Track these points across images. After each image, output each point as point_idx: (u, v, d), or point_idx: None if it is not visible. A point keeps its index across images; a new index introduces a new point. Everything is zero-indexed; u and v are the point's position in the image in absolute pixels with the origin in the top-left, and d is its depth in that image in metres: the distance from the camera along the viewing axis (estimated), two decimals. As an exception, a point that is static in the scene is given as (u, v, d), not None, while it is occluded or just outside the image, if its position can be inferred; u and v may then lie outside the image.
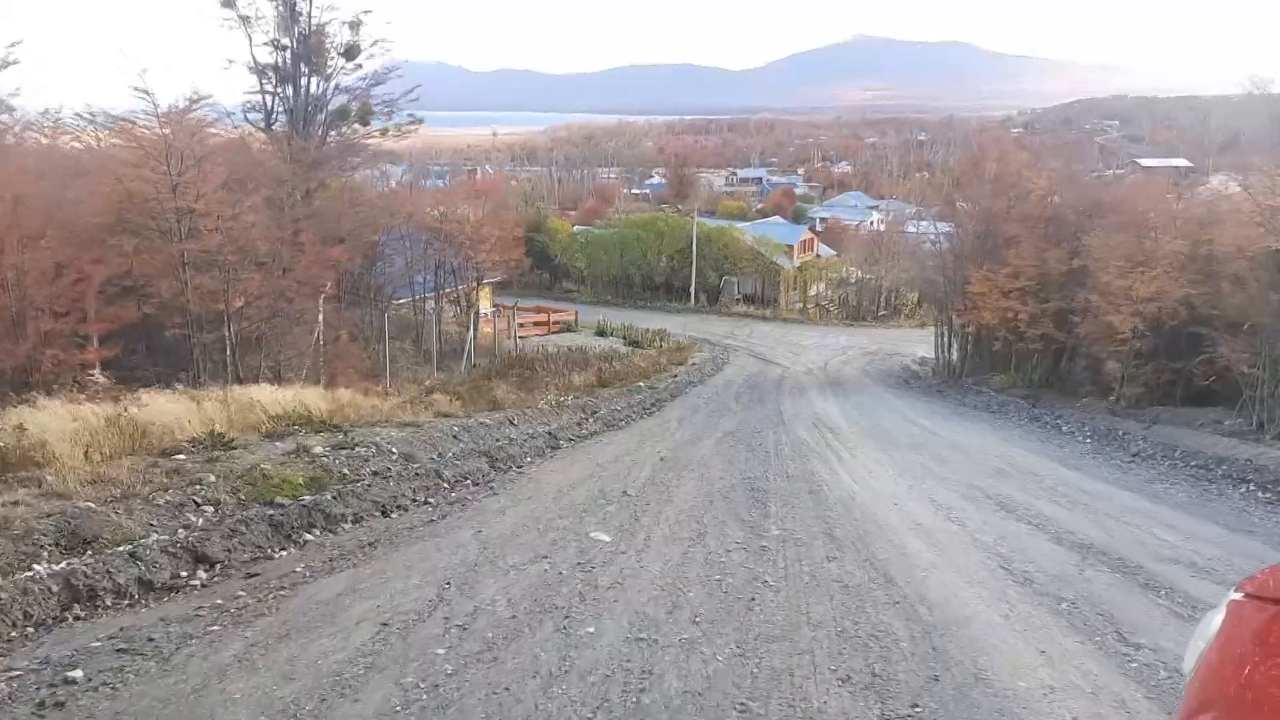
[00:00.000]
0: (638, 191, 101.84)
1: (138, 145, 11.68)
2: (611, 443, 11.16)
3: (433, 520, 6.67)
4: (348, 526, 6.25)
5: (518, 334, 32.74)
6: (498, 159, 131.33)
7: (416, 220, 25.70)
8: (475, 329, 26.41)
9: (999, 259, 23.07)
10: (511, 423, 10.62)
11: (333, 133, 19.82)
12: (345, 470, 6.94)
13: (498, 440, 9.42)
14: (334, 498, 6.38)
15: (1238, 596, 1.49)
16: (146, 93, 11.14)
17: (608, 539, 6.21)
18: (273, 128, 19.26)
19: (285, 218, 14.92)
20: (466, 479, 7.95)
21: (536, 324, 36.44)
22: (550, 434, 10.58)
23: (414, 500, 7.05)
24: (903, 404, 19.56)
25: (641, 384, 20.46)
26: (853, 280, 51.42)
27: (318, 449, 7.11)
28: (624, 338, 34.33)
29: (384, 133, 21.08)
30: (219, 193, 12.06)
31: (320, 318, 15.81)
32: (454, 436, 8.87)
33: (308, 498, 6.22)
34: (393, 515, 6.69)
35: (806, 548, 6.33)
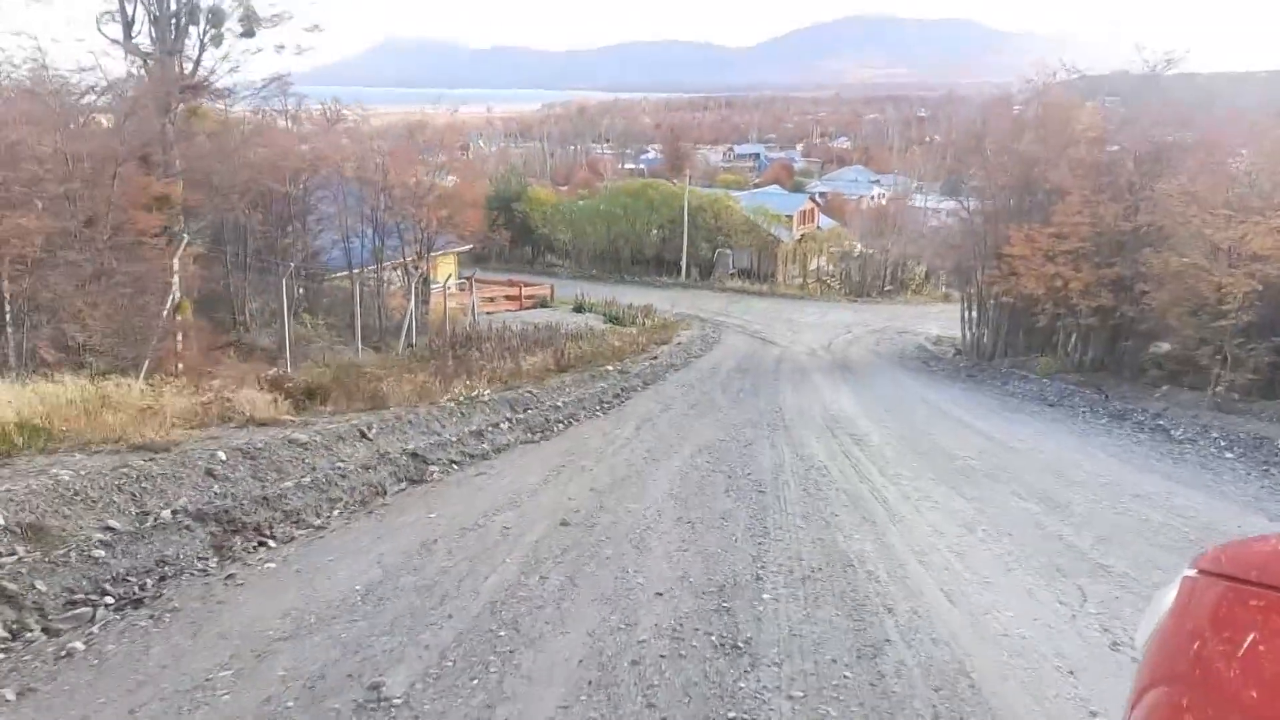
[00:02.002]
0: (631, 166, 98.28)
1: None
2: (508, 472, 7.25)
3: None
4: None
5: (483, 309, 29.18)
6: (491, 135, 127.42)
7: (350, 171, 21.73)
8: (422, 303, 22.65)
9: (1041, 216, 19.32)
10: (365, 435, 6.85)
11: (213, 48, 15.92)
12: None
13: (299, 476, 5.64)
14: None
15: (1191, 573, 1.43)
16: None
17: None
18: (134, 40, 15.34)
19: (122, 149, 11.07)
20: (106, 596, 3.81)
21: (508, 298, 32.90)
22: (415, 455, 6.79)
23: None
24: (934, 393, 15.74)
25: (610, 368, 16.84)
26: (856, 254, 47.57)
27: None
28: (604, 314, 30.77)
29: (279, 48, 17.18)
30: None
31: (176, 282, 12.00)
32: (208, 472, 5.10)
33: None
34: None
35: None
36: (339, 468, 5.96)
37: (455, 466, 6.97)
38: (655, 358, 19.88)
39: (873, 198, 64.62)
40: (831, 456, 8.77)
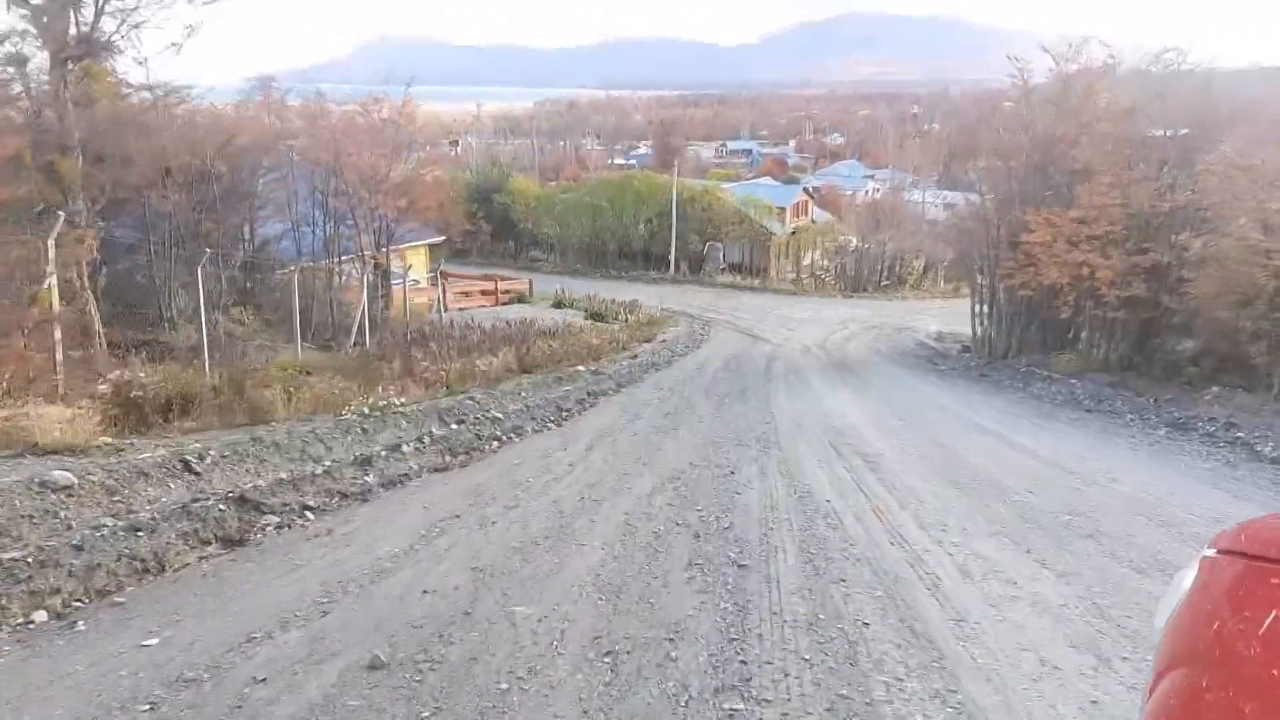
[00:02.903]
0: (621, 162, 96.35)
1: None
2: (369, 527, 5.03)
3: None
4: None
5: (455, 305, 27.42)
6: (481, 131, 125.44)
7: (302, 154, 19.75)
8: (380, 297, 20.69)
9: (1060, 200, 17.46)
10: (190, 468, 4.89)
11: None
12: None
13: (20, 548, 3.65)
14: None
15: (1210, 552, 1.42)
16: None
17: None
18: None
19: None
20: None
21: (484, 294, 31.07)
22: (244, 501, 4.82)
23: None
24: (949, 397, 13.75)
25: (581, 368, 15.06)
26: (851, 248, 45.68)
27: None
28: (586, 310, 28.95)
29: (193, -2, 15.03)
30: None
31: (50, 270, 9.97)
32: None
33: None
34: None
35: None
36: (102, 528, 3.99)
37: (304, 516, 4.94)
38: (635, 356, 18.14)
39: (867, 192, 62.76)
40: (842, 493, 6.58)
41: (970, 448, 8.93)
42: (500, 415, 8.52)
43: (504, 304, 30.10)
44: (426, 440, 6.93)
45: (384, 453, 6.31)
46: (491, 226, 45.57)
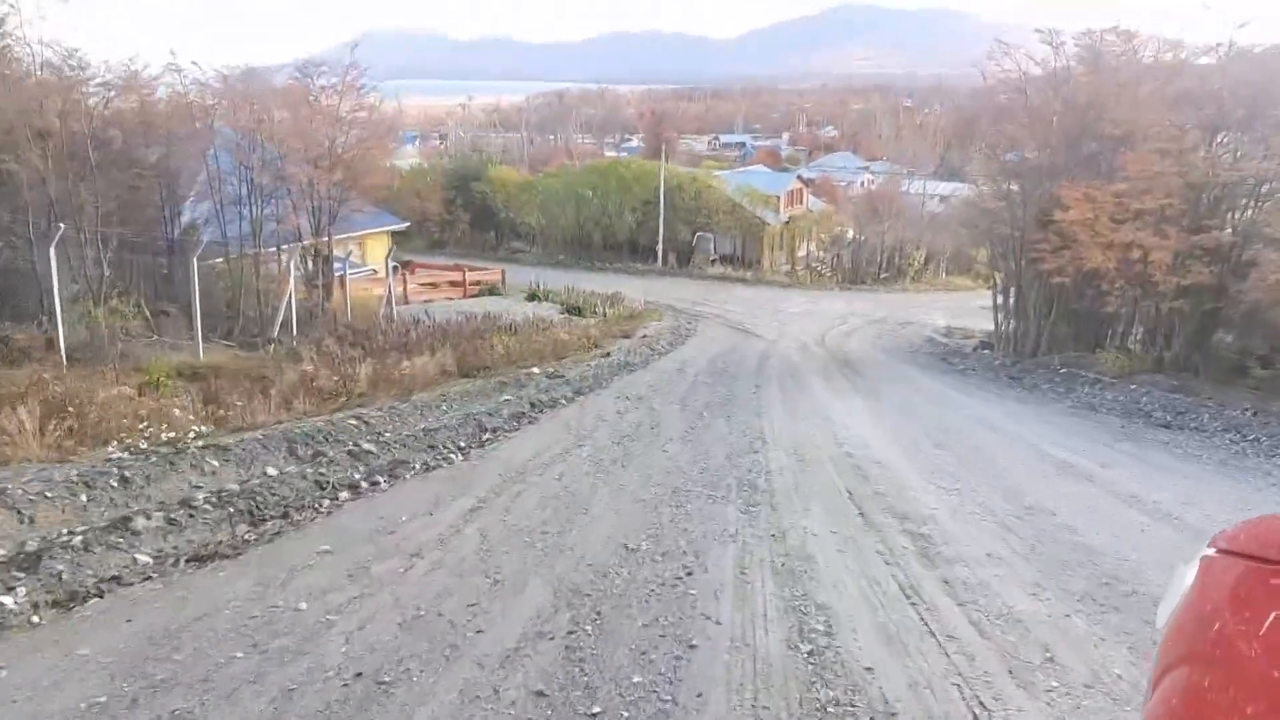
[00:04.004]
0: (613, 154, 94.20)
1: None
2: None
3: None
4: None
5: (417, 296, 24.97)
6: (470, 124, 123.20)
7: (234, 124, 17.23)
8: (318, 288, 18.18)
9: (1096, 171, 15.08)
10: None
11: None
12: None
13: None
14: None
15: (1210, 552, 1.41)
16: None
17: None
18: None
19: None
20: None
21: (452, 284, 28.67)
22: None
23: None
24: (985, 407, 11.18)
25: (537, 369, 12.73)
26: (848, 239, 43.31)
27: None
28: (562, 303, 26.49)
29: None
30: None
31: None
32: None
33: None
34: None
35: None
36: None
37: None
38: (607, 355, 15.80)
39: (863, 183, 60.57)
40: (890, 633, 3.69)
41: (1058, 500, 6.10)
42: (373, 448, 5.96)
43: (473, 296, 27.70)
44: (210, 502, 4.37)
45: (97, 533, 3.75)
46: (470, 216, 43.14)
